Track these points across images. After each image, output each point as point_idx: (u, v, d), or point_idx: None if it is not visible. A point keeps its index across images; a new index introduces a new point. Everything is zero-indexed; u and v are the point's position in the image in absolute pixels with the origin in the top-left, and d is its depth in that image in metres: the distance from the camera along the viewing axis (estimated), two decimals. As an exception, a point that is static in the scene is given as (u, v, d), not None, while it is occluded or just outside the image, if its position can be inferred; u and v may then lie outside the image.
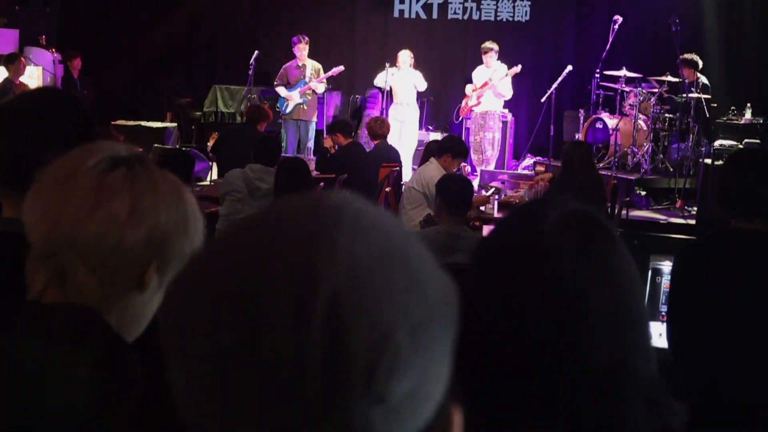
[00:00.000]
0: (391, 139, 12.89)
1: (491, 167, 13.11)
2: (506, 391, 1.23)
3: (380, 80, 13.53)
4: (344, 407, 0.76)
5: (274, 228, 0.82)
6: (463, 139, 12.51)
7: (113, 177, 1.39)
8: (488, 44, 13.17)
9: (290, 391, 0.76)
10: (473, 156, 13.20)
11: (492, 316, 1.26)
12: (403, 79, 13.34)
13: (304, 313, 0.76)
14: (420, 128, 14.10)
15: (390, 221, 0.88)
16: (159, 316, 0.85)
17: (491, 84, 12.99)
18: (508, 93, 13.18)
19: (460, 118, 13.64)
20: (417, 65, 13.53)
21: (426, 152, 9.18)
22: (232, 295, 0.78)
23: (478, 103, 13.14)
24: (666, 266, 4.19)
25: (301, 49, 13.09)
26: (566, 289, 1.23)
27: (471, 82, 13.44)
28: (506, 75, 12.96)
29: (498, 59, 13.18)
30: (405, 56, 13.37)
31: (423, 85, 13.38)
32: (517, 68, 12.92)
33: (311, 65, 13.15)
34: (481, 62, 13.39)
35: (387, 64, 13.42)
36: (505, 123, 13.57)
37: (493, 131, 13.14)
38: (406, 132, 13.28)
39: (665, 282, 4.19)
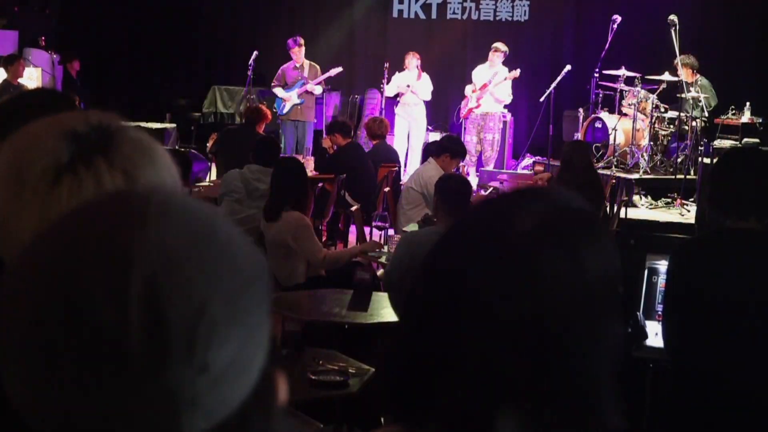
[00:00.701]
0: (400, 138, 12.96)
1: (490, 168, 13.12)
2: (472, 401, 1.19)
3: (392, 89, 13.55)
4: (169, 379, 0.81)
5: (89, 218, 0.88)
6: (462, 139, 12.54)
7: (58, 195, 1.36)
8: (499, 45, 13.14)
9: (113, 369, 0.80)
10: (467, 157, 13.22)
11: (449, 311, 1.18)
12: (410, 80, 13.36)
13: (120, 293, 0.81)
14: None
15: (197, 206, 0.92)
16: None
17: (490, 87, 12.99)
18: (508, 98, 13.19)
19: (461, 120, 13.64)
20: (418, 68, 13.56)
21: (425, 153, 9.20)
22: (52, 284, 0.83)
23: (478, 105, 13.14)
24: (662, 265, 4.19)
25: (297, 51, 13.11)
26: (536, 292, 1.15)
27: (471, 82, 13.44)
28: (504, 79, 12.97)
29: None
30: (411, 58, 13.41)
31: (427, 95, 13.43)
32: (516, 72, 12.93)
33: (309, 66, 13.17)
34: (481, 61, 13.39)
35: (386, 65, 13.49)
36: (504, 123, 13.58)
37: (492, 132, 13.16)
38: (414, 130, 13.32)
39: (661, 281, 4.19)
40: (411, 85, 13.33)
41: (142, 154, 1.45)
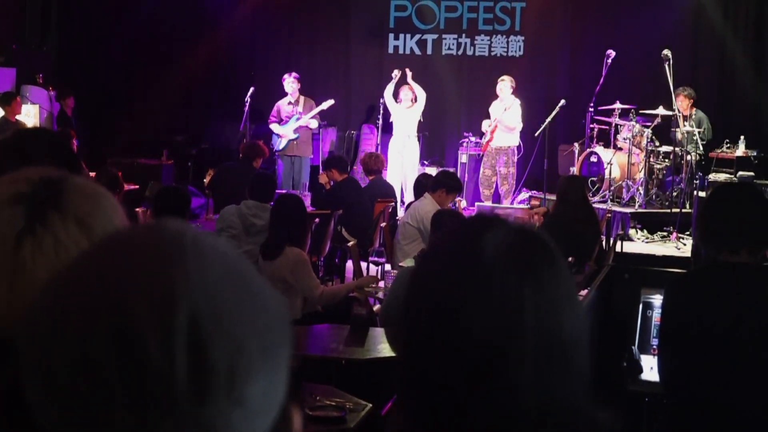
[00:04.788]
0: (393, 173, 12.99)
1: (507, 202, 13.18)
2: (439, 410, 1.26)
3: (388, 93, 13.66)
4: (208, 413, 0.85)
5: (128, 251, 0.91)
6: (460, 174, 12.63)
7: (23, 258, 1.42)
8: (504, 76, 13.36)
9: (158, 401, 0.84)
10: (482, 191, 13.35)
11: (427, 334, 1.28)
12: (403, 113, 13.45)
13: (167, 331, 0.84)
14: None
15: (223, 244, 0.96)
16: (23, 334, 0.93)
17: (499, 120, 13.13)
18: (518, 125, 13.28)
19: (482, 155, 13.72)
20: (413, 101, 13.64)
21: (418, 187, 9.21)
22: (101, 316, 0.86)
23: (491, 138, 13.25)
24: (657, 299, 4.21)
25: (292, 86, 13.16)
26: (501, 312, 1.23)
27: (467, 118, 13.60)
28: (504, 110, 13.10)
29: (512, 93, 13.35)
30: (407, 91, 13.51)
31: (421, 94, 13.54)
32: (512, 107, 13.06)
33: (303, 101, 13.23)
34: (476, 96, 13.50)
35: (381, 101, 13.63)
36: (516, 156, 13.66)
37: (507, 166, 13.25)
38: (408, 164, 13.36)
39: (656, 315, 4.21)
40: (396, 114, 13.51)
41: (90, 199, 1.50)
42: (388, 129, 13.99)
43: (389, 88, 13.66)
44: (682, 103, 11.96)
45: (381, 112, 13.93)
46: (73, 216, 1.46)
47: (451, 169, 12.57)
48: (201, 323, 0.85)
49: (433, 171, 12.26)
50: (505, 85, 13.26)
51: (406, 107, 13.46)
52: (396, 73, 13.61)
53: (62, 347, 0.87)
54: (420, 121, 13.64)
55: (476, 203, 13.31)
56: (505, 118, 13.11)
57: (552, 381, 1.25)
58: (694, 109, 12.34)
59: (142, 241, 0.92)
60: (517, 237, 1.30)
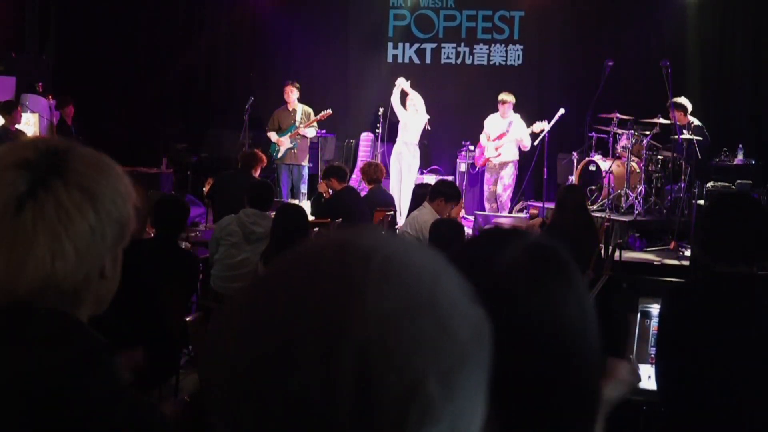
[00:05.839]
0: (394, 181, 12.97)
1: (505, 213, 13.16)
2: None
3: (395, 98, 13.61)
4: None
5: (305, 279, 0.84)
6: (458, 183, 12.61)
7: (23, 222, 1.45)
8: (505, 96, 13.21)
9: None
10: (486, 205, 13.32)
11: None
12: (411, 119, 13.43)
13: (331, 367, 0.77)
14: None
15: (420, 263, 0.86)
16: (200, 364, 0.89)
17: (509, 136, 13.06)
18: (529, 143, 13.27)
19: (477, 168, 13.69)
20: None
21: (416, 196, 9.20)
22: (265, 351, 0.80)
23: (498, 154, 13.20)
24: (654, 309, 4.21)
25: (291, 94, 13.17)
26: (517, 332, 1.21)
27: (465, 126, 13.55)
28: (530, 131, 12.98)
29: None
30: (416, 99, 13.50)
31: (420, 105, 13.51)
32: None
33: (302, 109, 13.23)
34: (474, 105, 13.47)
35: (380, 110, 13.61)
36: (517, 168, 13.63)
37: (508, 177, 13.25)
38: (405, 172, 13.34)
39: (654, 324, 4.21)
40: (405, 89, 13.49)
41: (95, 168, 1.53)
42: (387, 138, 13.98)
43: (395, 94, 13.60)
44: (676, 114, 11.97)
45: (381, 120, 13.93)
46: (76, 183, 1.49)
47: (450, 178, 12.56)
48: (370, 363, 0.77)
49: (431, 180, 12.25)
50: (508, 106, 13.17)
51: (412, 114, 13.47)
52: (401, 81, 13.58)
53: (221, 372, 0.82)
54: (426, 128, 13.62)
55: (475, 212, 13.30)
56: (525, 137, 13.02)
57: (561, 398, 1.25)
58: (690, 117, 12.35)
59: (323, 265, 0.84)
60: (530, 255, 1.27)
